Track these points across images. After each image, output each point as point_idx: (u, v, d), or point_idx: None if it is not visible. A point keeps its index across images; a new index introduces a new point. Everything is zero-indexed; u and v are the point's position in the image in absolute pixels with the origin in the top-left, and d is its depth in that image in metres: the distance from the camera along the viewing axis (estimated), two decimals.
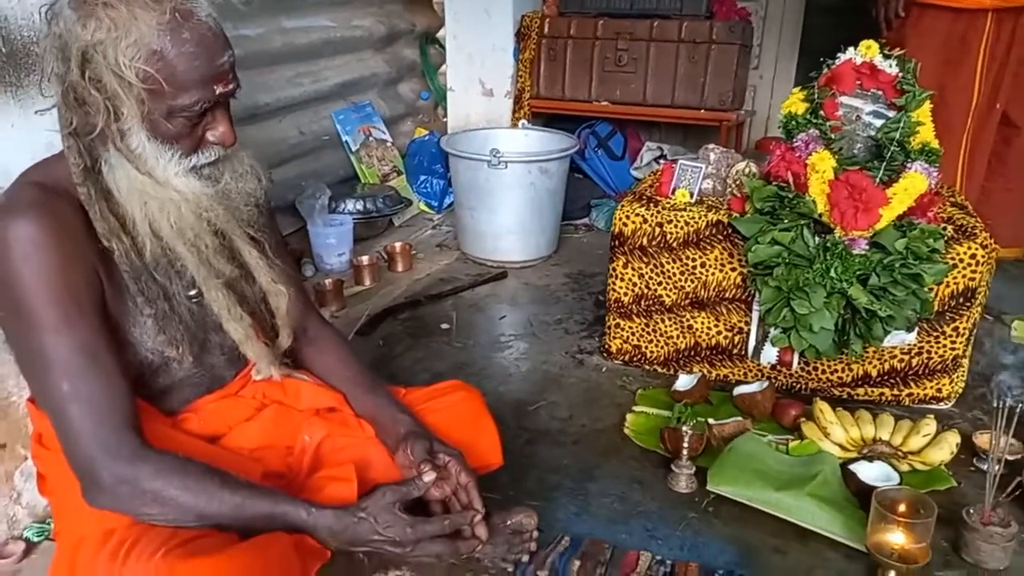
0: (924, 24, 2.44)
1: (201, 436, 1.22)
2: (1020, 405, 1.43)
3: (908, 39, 2.35)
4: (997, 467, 1.42)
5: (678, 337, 2.11)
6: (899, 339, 1.87)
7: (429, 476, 1.17)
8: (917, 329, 1.88)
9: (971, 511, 1.43)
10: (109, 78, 0.98)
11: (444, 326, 2.46)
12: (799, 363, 1.99)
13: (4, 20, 1.28)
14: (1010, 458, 1.64)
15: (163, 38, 0.97)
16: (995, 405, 1.41)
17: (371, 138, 3.47)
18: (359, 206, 3.01)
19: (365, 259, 2.75)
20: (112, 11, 0.96)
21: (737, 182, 2.02)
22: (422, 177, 3.49)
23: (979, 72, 2.44)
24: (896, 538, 1.34)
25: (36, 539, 1.45)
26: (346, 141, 3.37)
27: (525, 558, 1.37)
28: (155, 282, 1.12)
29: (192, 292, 1.16)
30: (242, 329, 1.19)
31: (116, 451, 1.02)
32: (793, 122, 1.91)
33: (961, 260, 1.82)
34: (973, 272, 1.82)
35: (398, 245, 2.89)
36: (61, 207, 1.03)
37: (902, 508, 1.36)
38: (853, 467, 1.58)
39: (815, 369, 2.01)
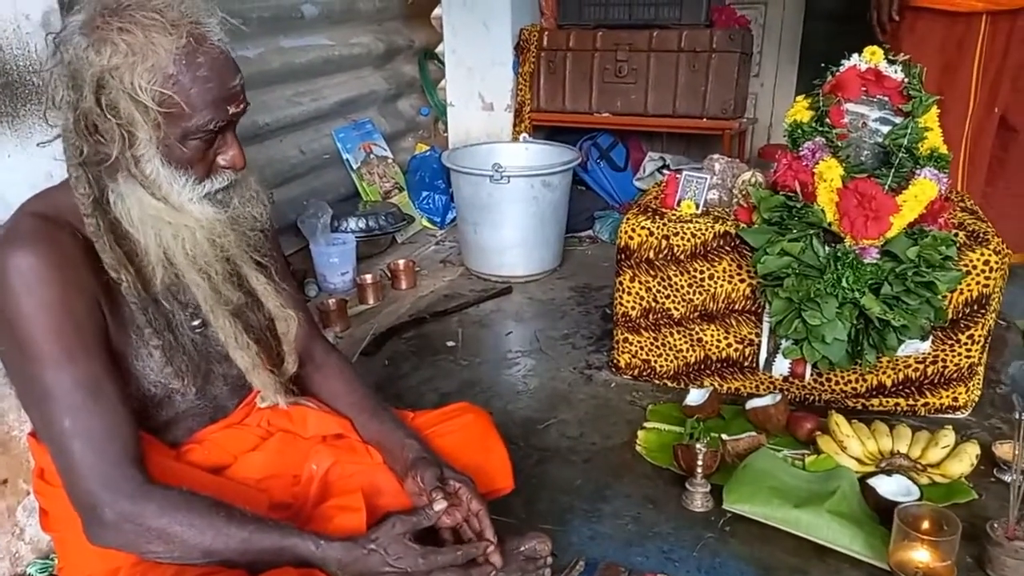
0: (919, 29, 2.41)
1: (206, 467, 1.19)
2: None
3: (903, 44, 2.33)
4: (1021, 479, 1.38)
5: (688, 351, 2.08)
6: (913, 348, 1.84)
7: (440, 505, 1.14)
8: (931, 338, 1.85)
9: (995, 525, 1.40)
10: (125, 103, 0.97)
11: (450, 343, 2.44)
12: (812, 374, 1.96)
13: (0, 50, 1.27)
14: None
15: (179, 62, 0.97)
16: (1017, 416, 1.38)
17: (372, 155, 3.46)
18: (361, 224, 3.00)
19: (368, 277, 2.73)
20: (128, 36, 0.95)
21: (743, 192, 2.00)
22: (424, 193, 3.47)
23: (975, 76, 2.41)
24: (920, 556, 1.31)
25: None
26: (347, 159, 3.36)
27: None
28: (161, 313, 1.10)
29: (196, 322, 1.15)
30: (249, 357, 1.17)
31: (118, 487, 0.99)
32: (799, 130, 1.89)
33: (974, 267, 1.80)
34: (987, 278, 1.80)
35: (401, 262, 2.88)
36: (63, 238, 1.01)
37: (926, 525, 1.33)
38: (872, 482, 1.55)
39: (828, 380, 1.98)
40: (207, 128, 1.01)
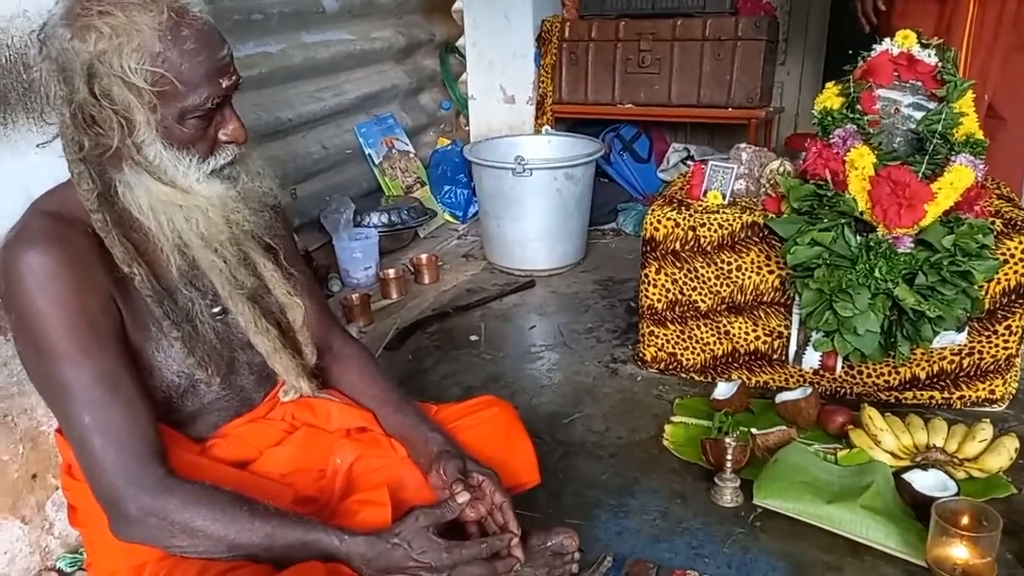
0: (911, 13, 2.34)
1: (230, 462, 1.19)
2: None
3: (896, 30, 2.27)
4: None
5: (715, 343, 2.05)
6: (949, 340, 1.79)
7: (463, 497, 1.12)
8: (967, 329, 1.80)
9: None
10: (119, 88, 0.95)
11: (473, 338, 2.42)
12: (843, 367, 1.92)
13: (25, 46, 1.26)
14: None
15: (164, 38, 0.95)
16: None
17: (394, 150, 3.45)
18: (384, 219, 3.00)
19: (391, 272, 2.72)
20: (109, 18, 0.94)
21: (771, 182, 1.96)
22: (446, 187, 3.46)
23: (964, 62, 2.33)
24: (959, 553, 1.27)
25: (69, 570, 1.43)
26: (369, 154, 3.36)
27: None
28: (178, 304, 1.09)
29: (216, 309, 1.14)
30: (269, 341, 1.17)
31: (141, 482, 0.99)
32: (829, 117, 1.84)
33: (1012, 255, 1.75)
34: None
35: (424, 257, 2.87)
36: (74, 235, 1.01)
37: (964, 520, 1.29)
38: (907, 476, 1.51)
39: (860, 373, 1.93)
40: (203, 107, 1.00)
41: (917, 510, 1.46)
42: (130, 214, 1.03)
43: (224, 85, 1.01)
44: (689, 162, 3.35)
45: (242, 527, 1.01)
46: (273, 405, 1.26)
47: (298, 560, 1.03)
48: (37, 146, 1.08)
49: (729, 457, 1.56)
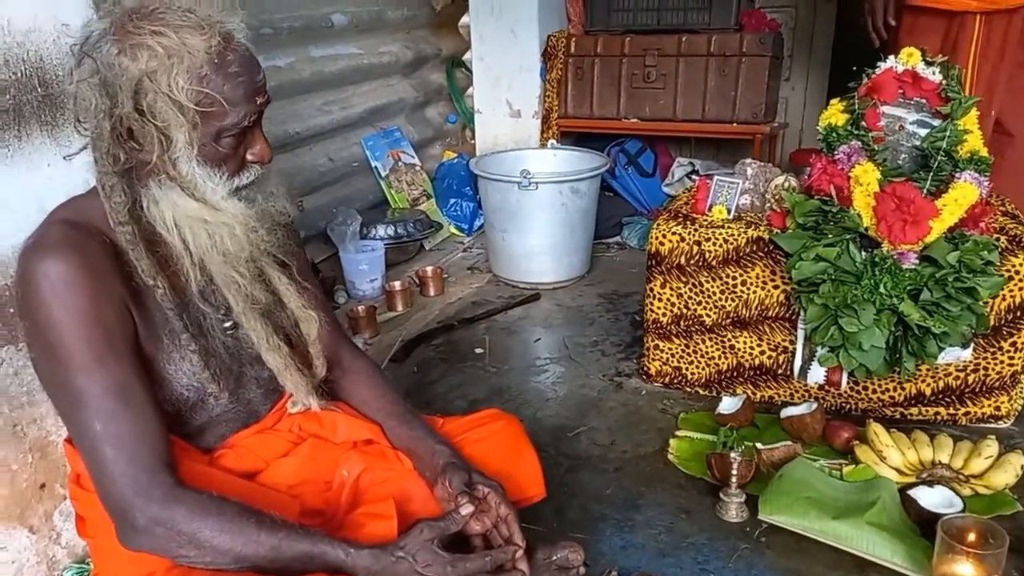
0: (918, 30, 2.35)
1: (238, 473, 1.19)
2: None
3: (903, 46, 2.28)
4: None
5: (720, 358, 2.05)
6: (954, 356, 1.80)
7: (467, 509, 1.13)
8: (973, 345, 1.80)
9: None
10: (163, 105, 0.98)
11: (478, 350, 2.43)
12: (848, 383, 1.92)
13: (40, 60, 1.29)
14: None
15: (212, 62, 0.99)
16: None
17: (400, 163, 3.48)
18: (390, 231, 3.02)
19: (397, 284, 2.74)
20: (163, 39, 0.97)
21: (776, 197, 1.97)
22: (452, 200, 3.48)
23: (970, 78, 2.34)
24: (965, 570, 1.27)
25: None
26: (376, 167, 3.39)
27: None
28: (195, 317, 1.11)
29: (228, 324, 1.15)
30: (280, 358, 1.18)
31: (149, 492, 1.00)
32: (834, 134, 1.85)
33: (1017, 272, 1.75)
34: None
35: (430, 269, 2.88)
36: (91, 245, 1.02)
37: (971, 538, 1.28)
38: (912, 493, 1.51)
39: (865, 389, 1.94)
40: (242, 124, 1.03)
41: (923, 527, 1.46)
42: (153, 228, 1.05)
43: (259, 102, 1.05)
44: (694, 176, 3.36)
45: (248, 539, 1.01)
46: (280, 416, 1.27)
47: (304, 572, 1.03)
48: (64, 157, 1.10)
49: (734, 472, 1.56)
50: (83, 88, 0.99)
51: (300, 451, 1.26)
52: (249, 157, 1.08)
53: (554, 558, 1.29)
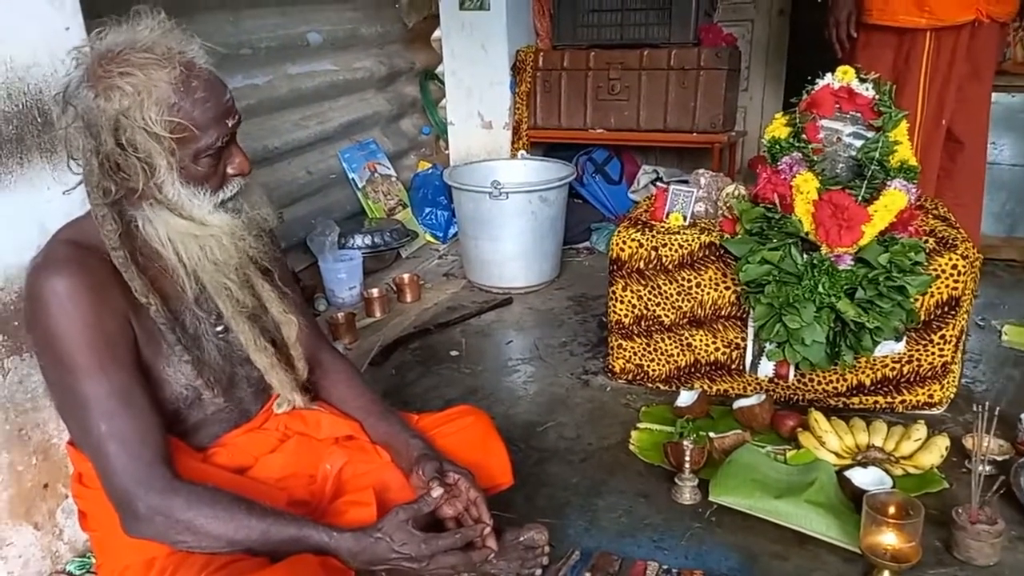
0: (873, 45, 2.52)
1: (230, 468, 1.29)
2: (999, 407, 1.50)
3: (859, 60, 2.43)
4: (982, 468, 1.49)
5: (678, 355, 2.19)
6: (889, 349, 1.95)
7: (438, 491, 1.22)
8: (906, 338, 1.96)
9: (960, 511, 1.50)
10: (142, 137, 1.07)
11: (453, 353, 2.55)
12: (795, 375, 2.07)
13: (39, 93, 1.40)
14: (998, 458, 1.72)
15: (178, 90, 1.08)
16: (974, 408, 1.48)
17: (376, 174, 3.59)
18: (367, 240, 3.12)
19: (375, 291, 2.85)
20: (130, 78, 1.06)
21: (727, 204, 2.12)
22: (427, 209, 3.60)
23: (922, 90, 2.50)
24: (888, 539, 1.42)
25: (78, 573, 1.54)
26: (352, 178, 3.49)
27: (538, 572, 1.43)
28: (187, 326, 1.21)
29: (219, 328, 1.25)
30: (267, 358, 1.28)
31: (150, 484, 1.09)
32: (777, 146, 2.00)
33: (943, 271, 1.91)
34: (956, 282, 1.91)
35: (406, 276, 2.99)
36: (93, 263, 1.12)
37: (892, 510, 1.43)
38: (848, 473, 1.66)
39: (811, 380, 2.09)
40: (216, 145, 1.12)
41: (857, 504, 1.59)
42: (149, 245, 1.16)
43: (230, 124, 1.15)
44: (659, 183, 3.51)
45: (240, 525, 1.11)
46: (268, 416, 1.37)
47: (291, 554, 1.14)
48: (63, 192, 1.21)
49: (687, 458, 1.70)
50: (71, 132, 1.10)
51: (286, 447, 1.36)
52: (230, 171, 1.17)
53: (521, 539, 1.41)
